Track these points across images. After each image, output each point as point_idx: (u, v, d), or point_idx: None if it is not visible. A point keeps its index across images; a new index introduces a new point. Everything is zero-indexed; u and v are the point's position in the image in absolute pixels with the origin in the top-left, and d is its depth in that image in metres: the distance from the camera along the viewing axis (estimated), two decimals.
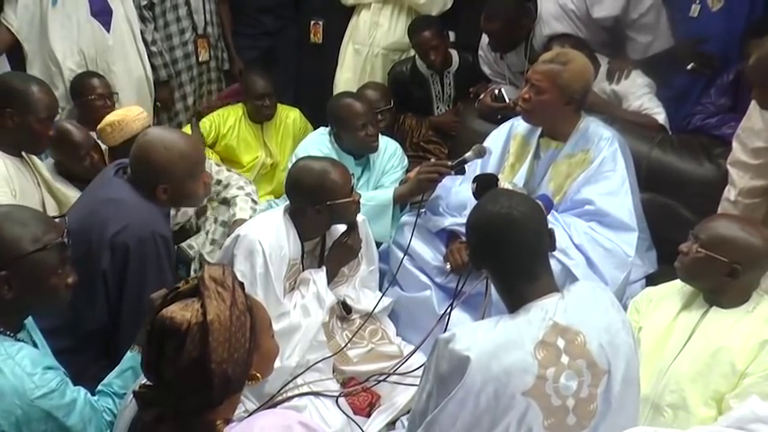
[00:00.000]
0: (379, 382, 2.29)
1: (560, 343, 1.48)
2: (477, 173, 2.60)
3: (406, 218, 2.75)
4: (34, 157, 2.49)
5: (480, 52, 3.49)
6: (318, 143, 2.94)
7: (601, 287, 1.63)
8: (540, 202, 1.95)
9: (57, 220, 1.65)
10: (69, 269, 1.62)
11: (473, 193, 2.34)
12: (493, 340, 1.47)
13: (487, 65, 3.49)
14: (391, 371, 2.30)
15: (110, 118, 2.78)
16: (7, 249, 1.50)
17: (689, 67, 3.00)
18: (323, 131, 3.04)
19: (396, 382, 2.27)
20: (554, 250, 1.61)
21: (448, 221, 2.57)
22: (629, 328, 1.58)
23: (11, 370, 1.48)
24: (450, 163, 2.54)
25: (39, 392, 1.48)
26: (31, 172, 2.40)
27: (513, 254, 1.53)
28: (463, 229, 2.52)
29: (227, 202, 2.94)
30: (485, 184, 2.30)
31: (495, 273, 1.59)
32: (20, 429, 1.47)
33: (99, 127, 2.80)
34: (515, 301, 1.54)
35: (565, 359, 1.47)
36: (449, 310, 2.00)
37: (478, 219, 1.61)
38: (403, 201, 2.74)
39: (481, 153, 2.53)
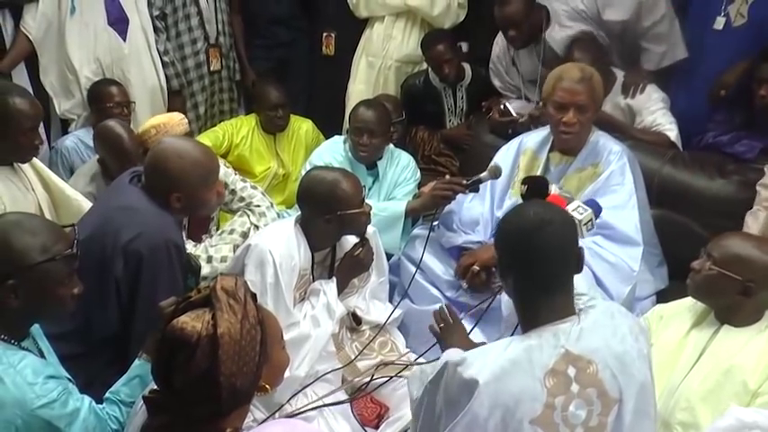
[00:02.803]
0: (386, 381, 2.29)
1: (571, 371, 1.45)
2: (489, 187, 2.60)
3: (418, 231, 2.75)
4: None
5: (491, 65, 3.49)
6: (333, 150, 2.97)
7: (622, 313, 1.59)
8: (591, 209, 1.94)
9: (67, 229, 1.65)
10: (76, 280, 1.62)
11: (521, 196, 2.34)
12: (501, 365, 1.45)
13: (498, 77, 3.48)
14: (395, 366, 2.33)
15: (154, 121, 2.82)
16: (16, 258, 1.51)
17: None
18: (337, 139, 3.07)
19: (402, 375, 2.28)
20: (580, 272, 1.57)
21: (462, 239, 2.58)
22: (647, 358, 1.54)
23: (12, 380, 1.48)
24: (465, 181, 2.53)
25: (39, 402, 1.48)
26: (22, 177, 2.37)
27: (536, 263, 1.50)
28: (475, 247, 2.56)
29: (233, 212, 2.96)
30: (535, 187, 2.26)
31: (516, 284, 1.56)
32: None
33: (142, 129, 2.83)
34: (530, 320, 1.52)
35: (575, 388, 1.45)
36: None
37: (509, 224, 1.59)
38: (415, 215, 2.74)
39: (497, 174, 2.52)
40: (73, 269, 1.60)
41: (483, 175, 2.50)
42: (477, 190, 2.54)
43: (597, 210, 2.06)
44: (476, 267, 2.46)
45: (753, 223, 2.49)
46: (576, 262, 1.56)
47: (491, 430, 1.42)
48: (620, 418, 1.47)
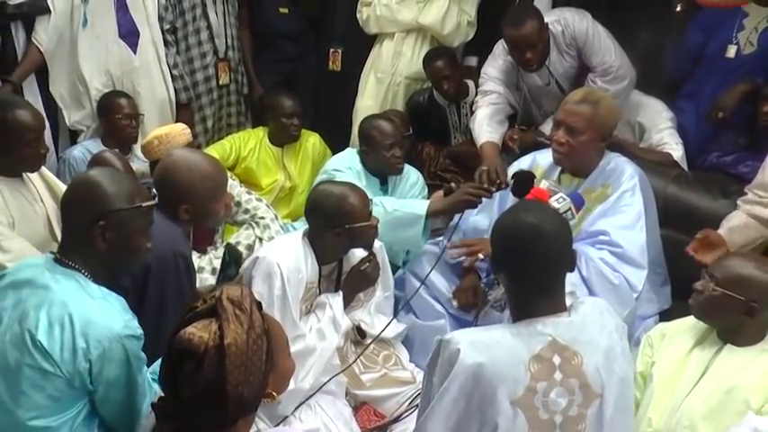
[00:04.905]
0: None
1: (556, 360, 1.50)
2: (497, 199, 2.62)
3: (427, 246, 2.75)
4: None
5: (491, 72, 3.23)
6: (348, 160, 2.99)
7: (609, 311, 1.63)
8: (570, 199, 2.04)
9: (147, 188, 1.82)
10: (149, 235, 1.75)
11: (511, 190, 2.38)
12: (485, 341, 1.50)
13: (494, 85, 3.22)
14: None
15: (156, 132, 2.85)
16: (108, 202, 1.65)
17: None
18: (351, 151, 3.10)
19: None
20: (572, 271, 1.61)
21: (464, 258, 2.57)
22: (629, 357, 1.59)
23: (105, 306, 1.61)
24: (493, 189, 2.52)
25: (127, 331, 1.60)
26: (30, 189, 2.39)
27: (535, 267, 1.54)
28: (481, 265, 2.57)
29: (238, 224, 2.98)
30: (522, 182, 2.34)
31: (511, 281, 1.60)
32: (101, 365, 1.57)
33: (146, 140, 2.86)
34: (522, 313, 1.56)
35: (558, 376, 1.49)
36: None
37: (509, 225, 1.61)
38: (437, 216, 2.69)
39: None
40: (150, 222, 1.74)
41: (509, 180, 2.50)
42: (505, 188, 2.52)
43: (579, 202, 2.25)
44: (481, 255, 2.47)
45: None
46: (570, 264, 1.60)
47: (474, 406, 1.47)
48: (602, 411, 1.52)
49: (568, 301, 1.60)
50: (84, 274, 1.64)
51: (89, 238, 1.64)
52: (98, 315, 1.58)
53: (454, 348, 1.48)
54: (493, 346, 1.49)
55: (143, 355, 1.65)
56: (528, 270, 1.54)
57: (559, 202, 2.20)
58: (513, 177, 2.38)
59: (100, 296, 1.62)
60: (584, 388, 1.50)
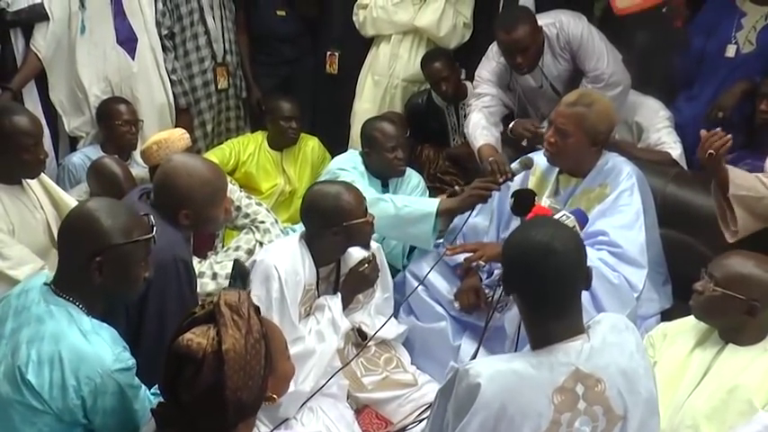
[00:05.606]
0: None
1: (579, 389, 1.45)
2: (496, 199, 2.62)
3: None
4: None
5: (484, 74, 3.24)
6: (352, 161, 3.00)
7: (629, 328, 1.58)
8: (574, 216, 1.99)
9: (144, 216, 1.79)
10: (148, 264, 1.73)
11: (510, 209, 2.38)
12: (507, 375, 1.45)
13: (488, 86, 3.23)
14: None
15: (155, 137, 2.85)
16: (104, 238, 1.63)
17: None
18: (354, 152, 3.10)
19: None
20: (588, 289, 1.56)
21: (465, 256, 2.57)
22: (651, 373, 1.54)
23: (96, 340, 1.59)
24: (501, 180, 2.52)
25: (118, 365, 1.58)
26: (30, 196, 2.38)
27: (547, 284, 1.48)
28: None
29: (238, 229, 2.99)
30: (522, 201, 2.32)
31: (525, 302, 1.54)
32: (95, 399, 1.56)
33: (145, 146, 2.87)
34: (540, 338, 1.51)
35: (581, 405, 1.45)
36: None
37: (519, 242, 1.56)
38: (448, 214, 2.66)
39: (528, 165, 2.53)
40: (148, 252, 1.72)
41: (515, 167, 2.50)
42: (511, 180, 2.54)
43: (582, 219, 2.18)
44: (481, 262, 2.46)
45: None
46: (585, 281, 1.54)
47: None
48: None
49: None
50: (78, 306, 1.63)
51: (85, 272, 1.62)
52: (88, 351, 1.57)
53: (474, 382, 1.43)
54: (514, 380, 1.44)
55: (137, 381, 1.65)
56: (540, 289, 1.49)
57: (563, 220, 2.14)
58: (512, 196, 2.35)
59: (90, 330, 1.61)
60: (607, 413, 1.46)
